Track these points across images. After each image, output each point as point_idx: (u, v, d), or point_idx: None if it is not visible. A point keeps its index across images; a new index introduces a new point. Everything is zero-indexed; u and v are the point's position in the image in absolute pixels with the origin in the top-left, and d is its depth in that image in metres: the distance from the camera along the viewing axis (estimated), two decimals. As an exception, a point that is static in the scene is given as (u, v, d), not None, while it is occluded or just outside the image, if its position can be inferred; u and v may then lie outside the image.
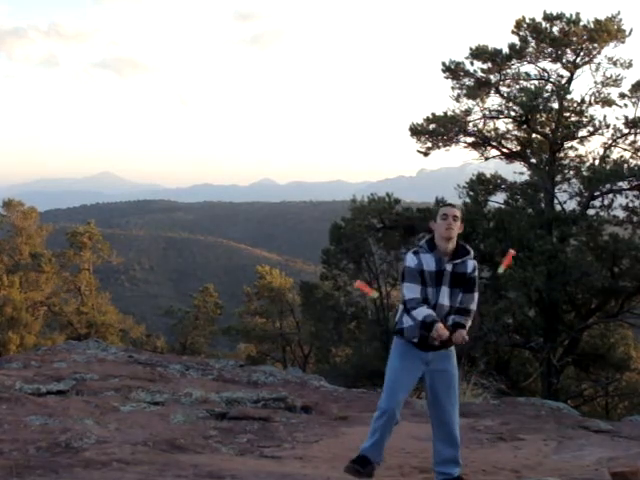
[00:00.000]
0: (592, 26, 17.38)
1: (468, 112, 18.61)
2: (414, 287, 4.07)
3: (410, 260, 4.11)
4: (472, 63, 18.43)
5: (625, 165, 16.83)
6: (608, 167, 17.01)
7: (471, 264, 4.15)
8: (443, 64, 18.68)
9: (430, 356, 4.13)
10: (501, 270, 4.60)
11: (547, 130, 18.32)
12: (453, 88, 18.72)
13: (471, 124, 18.76)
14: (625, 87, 17.76)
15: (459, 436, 4.23)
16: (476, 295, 4.16)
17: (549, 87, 18.14)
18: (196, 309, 32.31)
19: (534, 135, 18.68)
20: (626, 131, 17.63)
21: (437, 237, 4.12)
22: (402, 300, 4.19)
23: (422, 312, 4.01)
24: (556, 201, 18.02)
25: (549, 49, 17.81)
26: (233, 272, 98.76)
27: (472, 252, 4.18)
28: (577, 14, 17.63)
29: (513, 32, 18.15)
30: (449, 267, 4.08)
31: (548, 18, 17.68)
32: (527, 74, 18.45)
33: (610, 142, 17.80)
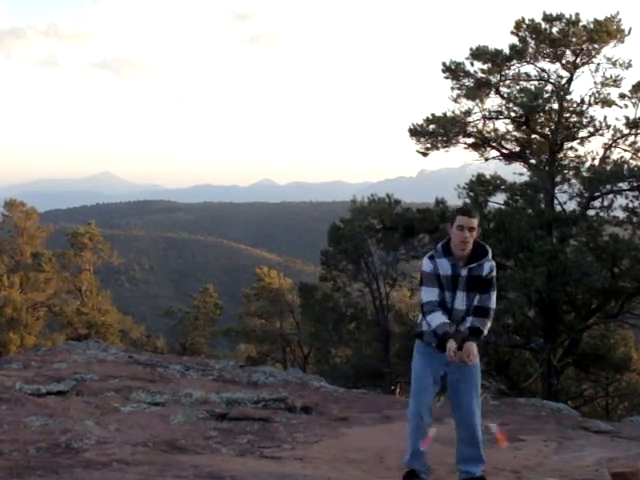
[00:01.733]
0: (591, 26, 17.36)
1: (468, 113, 18.60)
2: (431, 290, 4.09)
3: (426, 265, 4.13)
4: (472, 64, 18.42)
5: (625, 166, 16.83)
6: (608, 168, 17.01)
7: (487, 266, 4.13)
8: (443, 64, 18.66)
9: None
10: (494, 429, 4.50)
11: (547, 131, 18.32)
12: (453, 89, 18.71)
13: (471, 125, 18.75)
14: (625, 87, 17.78)
15: (481, 436, 4.26)
16: (493, 294, 4.15)
17: (549, 88, 18.13)
18: (196, 309, 32.32)
19: (534, 136, 18.67)
20: (626, 132, 17.62)
21: (453, 243, 4.12)
22: (420, 303, 4.21)
23: (435, 320, 4.03)
24: (556, 202, 18.02)
25: (549, 50, 17.81)
26: (233, 272, 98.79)
27: (490, 252, 4.16)
28: (577, 15, 17.62)
29: (513, 33, 18.14)
30: (464, 272, 4.09)
31: (548, 19, 17.68)
32: (527, 75, 18.46)
33: (610, 143, 17.80)
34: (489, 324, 4.11)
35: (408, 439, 4.27)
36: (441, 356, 4.10)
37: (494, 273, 4.15)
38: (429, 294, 4.09)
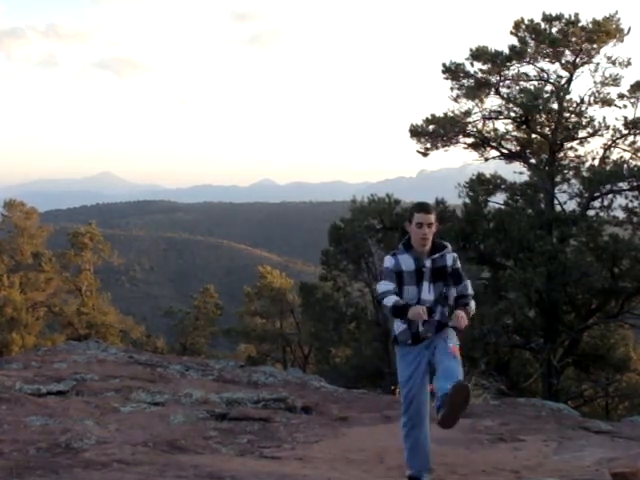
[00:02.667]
0: (591, 26, 17.39)
1: (468, 113, 18.61)
2: (387, 284, 4.16)
3: (388, 261, 4.22)
4: (472, 64, 18.45)
5: (625, 166, 16.84)
6: (608, 168, 17.02)
7: (450, 257, 4.24)
8: (443, 65, 18.68)
9: (426, 342, 4.18)
10: None
11: (547, 131, 18.33)
12: (453, 89, 18.74)
13: (471, 125, 18.77)
14: (624, 87, 17.80)
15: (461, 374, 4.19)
16: (468, 283, 4.25)
17: (549, 88, 18.15)
18: (196, 310, 32.32)
19: (534, 136, 18.68)
20: (626, 132, 17.64)
21: (413, 240, 4.21)
22: (377, 299, 4.32)
23: (390, 299, 4.09)
24: (556, 202, 18.02)
25: (548, 50, 17.82)
26: (233, 273, 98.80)
27: (449, 246, 4.28)
28: (576, 15, 17.65)
29: (512, 33, 18.17)
30: (428, 263, 4.18)
31: (547, 19, 17.69)
32: (527, 75, 18.47)
33: (610, 143, 17.81)
34: (473, 303, 4.20)
35: (404, 441, 4.26)
36: (419, 347, 4.19)
37: (459, 263, 4.27)
38: (384, 286, 4.16)
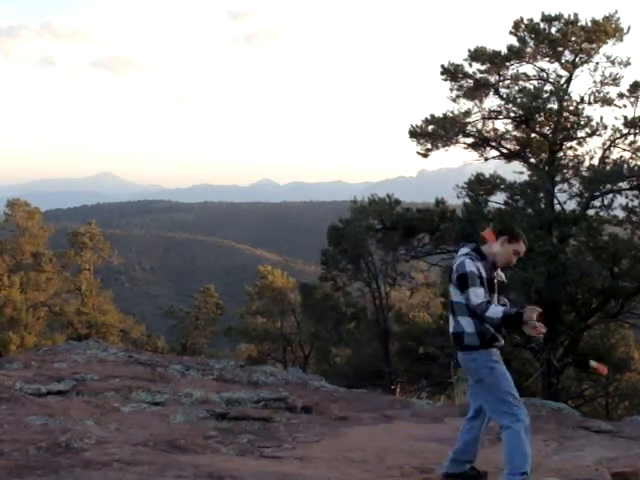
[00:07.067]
0: (590, 26, 17.41)
1: (467, 113, 18.62)
2: (480, 291, 4.05)
3: (471, 265, 4.08)
4: (471, 65, 18.47)
5: (625, 165, 16.85)
6: (608, 167, 17.02)
7: (502, 273, 4.43)
8: (442, 67, 18.70)
9: None
10: (593, 364, 4.56)
11: (546, 130, 18.34)
12: (452, 89, 18.75)
13: (470, 125, 18.77)
14: (624, 87, 17.81)
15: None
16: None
17: (548, 87, 18.15)
18: (197, 309, 32.32)
19: (533, 135, 18.69)
20: (625, 131, 17.65)
21: (500, 258, 4.25)
22: (470, 307, 4.05)
23: (498, 309, 4.03)
24: (556, 201, 18.02)
25: (547, 49, 17.83)
26: (233, 272, 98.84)
27: None
28: (575, 14, 17.68)
29: (511, 33, 18.18)
30: (496, 275, 4.32)
31: (546, 19, 17.71)
32: (526, 75, 18.47)
33: (609, 142, 17.82)
34: None
35: (526, 449, 3.96)
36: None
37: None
38: (479, 295, 4.05)
